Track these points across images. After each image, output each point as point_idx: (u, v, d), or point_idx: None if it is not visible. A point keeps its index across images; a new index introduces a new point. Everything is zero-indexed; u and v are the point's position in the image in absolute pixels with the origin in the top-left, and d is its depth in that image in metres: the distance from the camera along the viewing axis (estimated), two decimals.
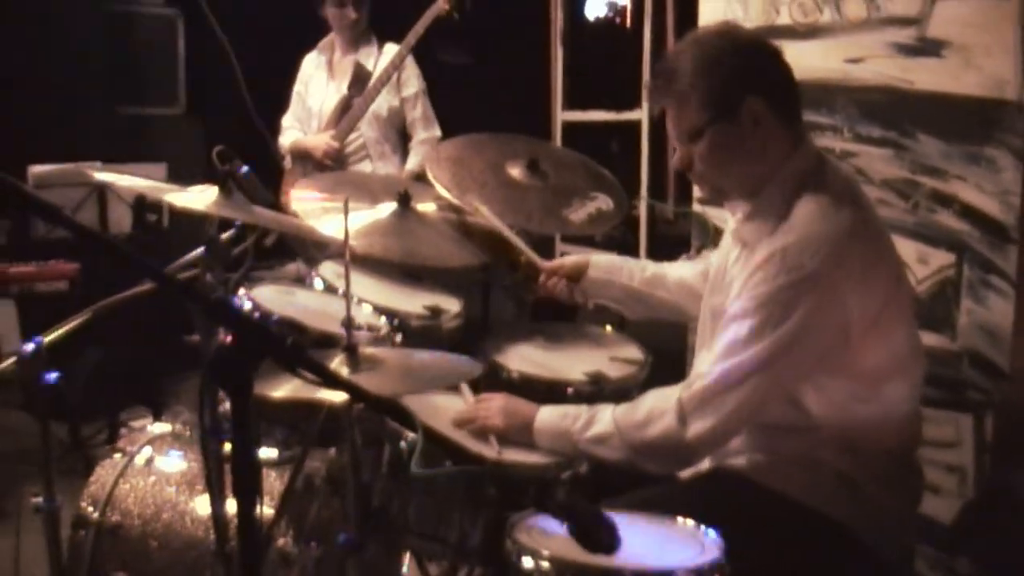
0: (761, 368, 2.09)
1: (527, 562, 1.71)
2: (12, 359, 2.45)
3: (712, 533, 1.84)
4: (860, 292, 2.08)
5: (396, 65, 4.38)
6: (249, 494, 1.48)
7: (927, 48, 2.84)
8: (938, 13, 2.80)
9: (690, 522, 1.88)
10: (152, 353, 4.87)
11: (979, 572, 2.72)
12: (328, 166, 4.44)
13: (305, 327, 2.43)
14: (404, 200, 2.91)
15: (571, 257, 2.94)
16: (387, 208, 2.91)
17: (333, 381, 1.44)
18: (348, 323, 1.99)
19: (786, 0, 3.22)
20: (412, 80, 4.62)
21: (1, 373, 2.69)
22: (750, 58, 2.19)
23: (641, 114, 5.31)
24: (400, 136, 4.71)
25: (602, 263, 2.87)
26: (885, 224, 2.34)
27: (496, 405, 2.34)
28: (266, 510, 2.68)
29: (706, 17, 3.60)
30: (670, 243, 5.18)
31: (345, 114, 4.53)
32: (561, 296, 2.87)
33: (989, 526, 2.65)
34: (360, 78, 4.51)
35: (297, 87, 4.85)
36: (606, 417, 2.22)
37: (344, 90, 4.59)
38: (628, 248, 5.15)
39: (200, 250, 2.44)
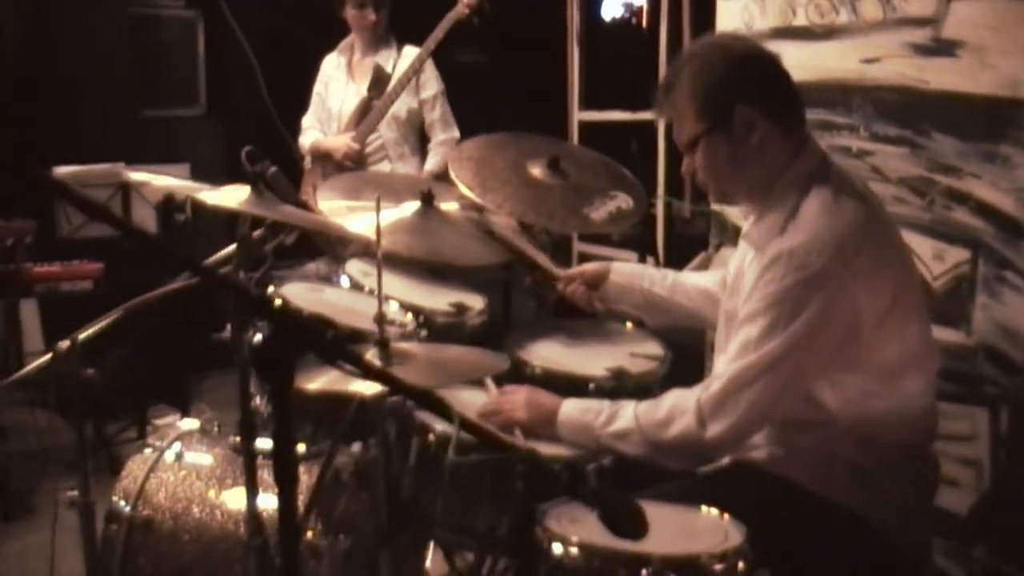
0: (773, 367, 2.13)
1: (557, 548, 1.77)
2: (46, 356, 2.51)
3: (734, 521, 1.89)
4: (869, 288, 2.13)
5: (416, 68, 4.44)
6: (290, 485, 1.54)
7: (942, 48, 2.89)
8: (953, 14, 2.85)
9: (713, 511, 1.93)
10: (178, 351, 4.94)
11: (995, 563, 2.76)
12: (348, 167, 4.49)
13: (335, 323, 2.48)
14: (428, 199, 2.96)
15: (591, 265, 2.98)
16: (411, 207, 2.96)
17: (374, 374, 1.50)
18: (380, 318, 2.04)
19: (803, 1, 3.27)
20: (431, 82, 4.67)
21: (32, 372, 2.76)
22: (739, 68, 2.26)
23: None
24: (419, 137, 4.76)
25: (624, 271, 2.93)
26: (895, 221, 2.38)
27: (520, 398, 2.40)
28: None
29: (723, 18, 3.66)
30: (686, 241, 5.24)
31: (365, 115, 4.57)
32: (580, 303, 2.92)
33: (1005, 517, 2.70)
34: (380, 80, 4.55)
35: (317, 88, 4.90)
36: (628, 414, 2.27)
37: (364, 92, 4.63)
38: (646, 247, 5.20)
39: (231, 248, 2.50)
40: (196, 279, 1.99)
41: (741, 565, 1.75)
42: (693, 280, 2.87)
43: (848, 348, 2.15)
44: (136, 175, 2.64)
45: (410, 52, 4.61)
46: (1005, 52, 2.72)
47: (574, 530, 1.80)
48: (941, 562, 2.85)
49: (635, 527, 1.54)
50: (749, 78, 2.25)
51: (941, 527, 2.73)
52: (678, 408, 2.22)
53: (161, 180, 2.63)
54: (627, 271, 2.92)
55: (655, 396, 2.72)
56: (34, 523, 4.17)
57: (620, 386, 2.66)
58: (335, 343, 1.48)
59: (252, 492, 2.46)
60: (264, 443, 2.51)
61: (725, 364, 2.21)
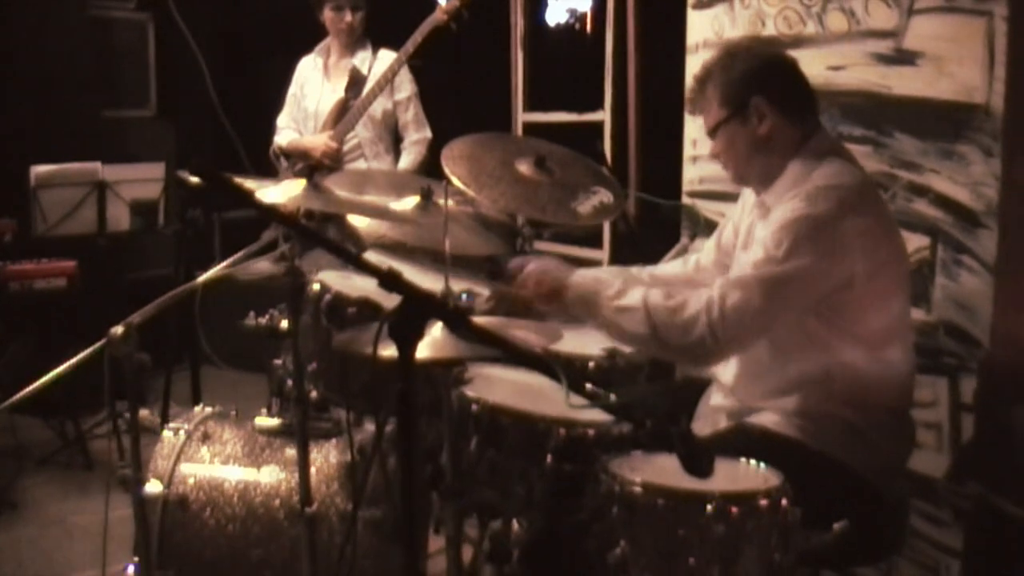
0: (774, 282, 2.40)
1: (628, 488, 2.00)
2: (102, 340, 2.64)
3: (769, 468, 2.14)
4: (863, 243, 2.42)
5: (395, 70, 4.59)
6: (411, 458, 1.73)
7: (903, 58, 3.16)
8: (913, 27, 3.12)
9: (751, 461, 2.18)
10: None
11: (961, 519, 3.07)
12: (326, 165, 4.64)
13: (380, 306, 2.67)
14: (427, 194, 3.16)
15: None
16: (410, 201, 3.16)
17: (492, 340, 1.71)
18: (447, 292, 2.25)
19: (772, 13, 3.53)
20: (405, 84, 4.85)
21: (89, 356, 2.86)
22: (758, 64, 2.61)
23: (604, 115, 5.59)
24: (393, 137, 4.94)
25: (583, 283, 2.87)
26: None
27: (530, 269, 2.64)
28: (326, 475, 2.93)
29: (694, 27, 3.89)
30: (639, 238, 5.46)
31: (342, 116, 4.73)
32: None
33: (986, 464, 2.99)
34: (356, 81, 4.72)
35: (292, 89, 5.02)
36: (637, 294, 2.49)
37: (340, 92, 4.78)
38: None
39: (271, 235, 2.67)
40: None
41: (784, 501, 2.01)
42: (666, 271, 3.08)
43: (840, 296, 2.43)
44: (245, 181, 2.69)
45: (385, 55, 4.78)
46: (961, 62, 2.99)
47: (636, 475, 2.04)
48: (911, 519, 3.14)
49: (708, 467, 1.79)
50: (766, 75, 2.59)
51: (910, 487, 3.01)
52: (691, 301, 2.43)
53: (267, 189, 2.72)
54: (589, 282, 2.68)
55: (645, 376, 3.01)
56: (20, 518, 4.26)
57: (612, 365, 2.86)
58: (459, 312, 1.70)
59: (304, 464, 2.65)
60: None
61: (734, 273, 2.50)
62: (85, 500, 4.34)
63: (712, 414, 2.76)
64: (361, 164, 4.80)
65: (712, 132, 2.65)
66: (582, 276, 2.61)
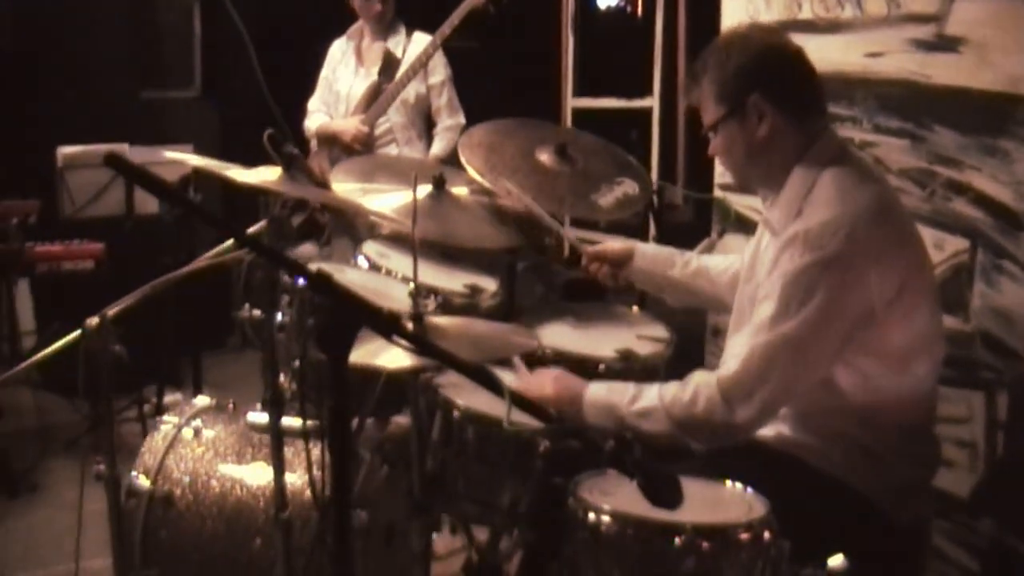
0: (790, 346, 2.19)
1: (592, 518, 1.85)
2: (77, 332, 2.56)
3: (756, 494, 1.97)
4: (879, 271, 2.20)
5: (429, 54, 4.44)
6: (345, 459, 1.60)
7: (945, 45, 2.95)
8: (956, 12, 2.91)
9: (737, 485, 2.01)
10: (176, 330, 4.98)
11: (994, 542, 2.86)
12: (356, 150, 4.52)
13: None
14: (440, 183, 3.03)
15: (615, 244, 3.00)
16: (423, 190, 3.02)
17: (427, 348, 1.57)
18: (416, 292, 2.11)
19: None
20: (439, 68, 4.70)
21: (56, 349, 2.81)
22: (757, 59, 2.35)
23: (652, 101, 5.44)
24: (425, 122, 4.79)
25: (649, 253, 2.96)
26: (908, 211, 2.47)
27: (548, 378, 2.45)
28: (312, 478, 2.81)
29: (728, 11, 3.72)
30: (675, 228, 5.31)
31: (374, 99, 4.60)
32: (604, 281, 2.97)
33: (1004, 498, 2.79)
34: (389, 64, 4.59)
35: (324, 72, 4.91)
36: (652, 393, 2.32)
37: (373, 76, 4.66)
38: (637, 233, 5.28)
39: (260, 226, 2.56)
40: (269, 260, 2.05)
41: (767, 535, 1.83)
42: (717, 264, 2.91)
43: (863, 332, 2.22)
44: (196, 159, 2.63)
45: (420, 38, 4.64)
46: (1006, 50, 2.78)
47: (607, 501, 1.88)
48: (939, 541, 2.94)
49: (673, 497, 1.62)
50: (764, 69, 2.33)
51: (938, 507, 2.82)
52: (702, 389, 2.26)
53: (195, 160, 2.68)
54: (651, 256, 2.94)
55: (662, 378, 2.83)
56: (38, 501, 4.23)
57: (629, 367, 2.73)
58: (392, 319, 1.55)
59: (279, 469, 2.53)
60: (287, 421, 2.59)
61: (742, 344, 2.28)
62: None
63: None
64: (392, 150, 4.68)
65: (711, 130, 2.42)
66: (596, 388, 2.43)
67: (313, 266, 2.76)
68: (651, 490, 1.61)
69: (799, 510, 1.97)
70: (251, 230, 2.65)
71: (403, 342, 1.56)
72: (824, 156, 2.32)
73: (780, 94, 2.32)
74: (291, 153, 2.47)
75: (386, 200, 2.76)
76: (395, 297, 2.67)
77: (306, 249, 4.28)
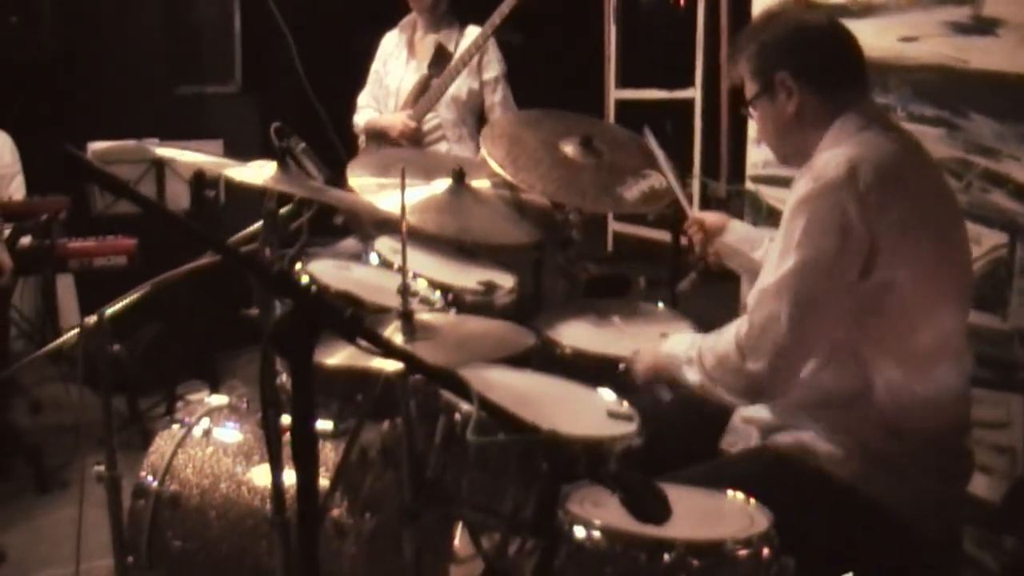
0: (794, 281, 2.14)
1: (579, 532, 1.75)
2: (75, 330, 2.53)
3: (760, 506, 1.86)
4: (890, 223, 2.12)
5: (479, 46, 4.26)
6: (308, 464, 1.53)
7: (982, 27, 2.86)
8: None
9: (739, 495, 1.91)
10: (209, 327, 4.97)
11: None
12: (404, 146, 4.38)
13: (362, 300, 2.48)
14: (459, 177, 2.94)
15: (714, 215, 2.95)
16: (442, 184, 2.94)
17: (390, 351, 1.48)
18: (404, 289, 2.03)
19: None
20: (493, 63, 4.54)
21: (62, 346, 2.78)
22: (784, 36, 2.34)
23: (694, 92, 5.32)
24: (477, 120, 4.60)
25: (738, 232, 2.89)
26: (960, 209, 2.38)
27: (649, 354, 2.51)
28: (321, 481, 2.75)
29: None
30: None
31: (424, 93, 4.45)
32: (696, 248, 2.91)
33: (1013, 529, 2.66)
34: (441, 57, 4.41)
35: (375, 65, 4.78)
36: (694, 341, 2.36)
37: (424, 69, 4.50)
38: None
39: (258, 224, 2.50)
40: (220, 256, 1.98)
41: (766, 551, 1.72)
42: None
43: (874, 298, 2.14)
44: (163, 150, 2.62)
45: (473, 32, 4.46)
46: None
47: (597, 513, 1.78)
48: (972, 550, 2.81)
49: (657, 511, 1.51)
50: (792, 47, 2.32)
51: (973, 515, 2.70)
52: (724, 335, 2.25)
53: (189, 156, 2.63)
54: (741, 233, 2.88)
55: None
56: (67, 497, 4.22)
57: None
58: (354, 320, 1.46)
59: (276, 469, 2.47)
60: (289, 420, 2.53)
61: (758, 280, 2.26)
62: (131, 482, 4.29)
63: (744, 428, 2.49)
64: (443, 147, 4.51)
65: (749, 106, 2.42)
66: (668, 344, 2.47)
67: (317, 264, 2.74)
68: (634, 504, 1.50)
69: (819, 522, 1.93)
70: (250, 229, 2.59)
71: (365, 344, 1.47)
72: (855, 122, 2.27)
73: (807, 71, 2.30)
74: (290, 147, 2.41)
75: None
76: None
77: (348, 244, 4.21)
